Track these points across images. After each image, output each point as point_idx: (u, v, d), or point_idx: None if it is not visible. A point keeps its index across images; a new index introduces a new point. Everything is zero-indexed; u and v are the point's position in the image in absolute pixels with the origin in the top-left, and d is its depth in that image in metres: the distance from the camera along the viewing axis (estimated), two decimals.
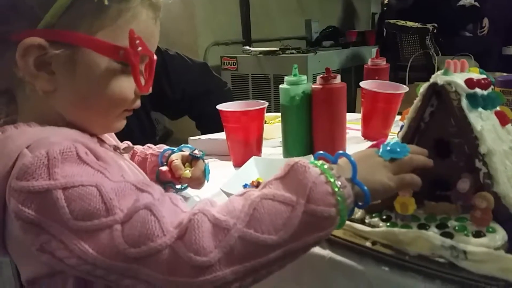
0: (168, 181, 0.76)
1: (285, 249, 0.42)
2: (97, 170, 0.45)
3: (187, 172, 0.73)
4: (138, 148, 0.81)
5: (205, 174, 0.75)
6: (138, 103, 0.57)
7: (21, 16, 0.49)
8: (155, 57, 0.56)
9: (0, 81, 0.52)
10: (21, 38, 0.48)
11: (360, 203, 0.46)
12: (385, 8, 3.84)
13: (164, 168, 0.74)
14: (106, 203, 0.43)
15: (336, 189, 0.43)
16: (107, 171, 0.46)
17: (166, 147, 0.80)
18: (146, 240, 0.41)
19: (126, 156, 0.65)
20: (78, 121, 0.54)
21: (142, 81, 0.54)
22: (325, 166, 0.45)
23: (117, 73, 0.52)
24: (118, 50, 0.51)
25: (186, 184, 0.78)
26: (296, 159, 0.46)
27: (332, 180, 0.43)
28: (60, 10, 0.48)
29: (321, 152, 0.50)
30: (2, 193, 0.45)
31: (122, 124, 0.58)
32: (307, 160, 0.45)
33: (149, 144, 0.82)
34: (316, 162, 0.45)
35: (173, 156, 0.76)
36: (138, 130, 1.39)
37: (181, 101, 1.64)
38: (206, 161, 0.77)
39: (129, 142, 0.79)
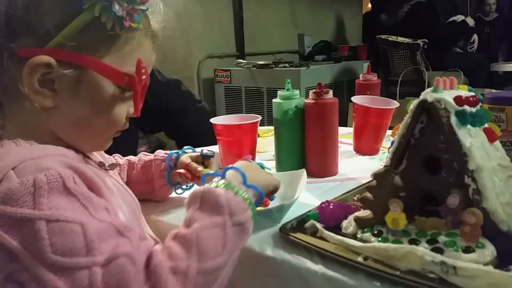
0: (176, 182, 0.79)
1: (231, 262, 0.49)
2: (83, 204, 0.45)
3: (207, 170, 0.76)
4: (133, 158, 0.82)
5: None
6: (127, 124, 0.60)
7: (33, 33, 0.49)
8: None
9: None
10: (30, 55, 0.49)
11: (257, 201, 0.57)
12: (377, 23, 3.90)
13: (182, 170, 0.76)
14: (87, 244, 0.42)
15: (243, 195, 0.53)
16: (92, 207, 0.46)
17: (163, 152, 0.81)
18: None
19: (112, 172, 0.65)
20: (70, 140, 0.55)
21: (131, 105, 0.57)
22: (224, 183, 0.54)
23: (118, 97, 0.55)
24: (124, 76, 0.53)
25: (191, 183, 0.80)
26: (199, 189, 0.53)
27: (236, 190, 0.53)
28: (73, 32, 0.50)
29: (210, 172, 0.71)
30: None
31: (109, 144, 0.61)
32: (207, 187, 0.53)
33: (144, 153, 0.83)
34: (215, 183, 0.54)
35: (183, 158, 0.78)
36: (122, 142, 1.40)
37: (152, 115, 1.65)
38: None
39: (118, 157, 0.79)
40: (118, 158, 0.81)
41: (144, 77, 0.55)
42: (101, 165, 0.61)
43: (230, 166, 0.58)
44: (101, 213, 0.46)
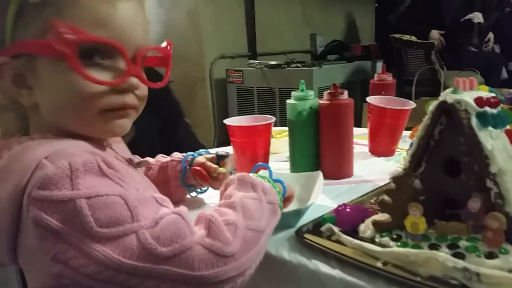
0: (191, 184, 0.79)
1: (266, 234, 0.52)
2: (117, 183, 0.47)
3: (222, 168, 0.76)
4: (150, 159, 0.82)
5: (231, 173, 0.78)
6: (120, 100, 0.53)
7: None
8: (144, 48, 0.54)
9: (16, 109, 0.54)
10: None
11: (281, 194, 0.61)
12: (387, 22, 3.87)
13: (198, 168, 0.76)
14: (131, 210, 0.44)
15: (272, 183, 0.59)
16: (125, 184, 0.47)
17: (180, 154, 0.81)
18: (178, 239, 0.44)
19: (140, 170, 0.66)
20: (69, 129, 0.53)
21: (113, 74, 0.51)
22: (255, 174, 0.59)
23: (71, 70, 0.49)
24: (49, 45, 0.48)
25: (206, 188, 0.81)
26: (234, 175, 0.59)
27: (266, 178, 0.59)
28: (11, 24, 0.50)
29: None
30: (19, 202, 0.45)
31: (115, 126, 0.54)
32: (240, 173, 0.59)
33: (161, 155, 0.83)
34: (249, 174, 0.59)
35: (199, 159, 0.78)
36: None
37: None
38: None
39: (148, 158, 0.80)
40: (136, 158, 0.81)
41: (71, 36, 0.47)
42: (130, 162, 0.62)
43: (259, 164, 0.68)
44: (134, 190, 0.48)
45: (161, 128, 1.26)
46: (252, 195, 0.54)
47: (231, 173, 0.78)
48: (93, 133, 0.55)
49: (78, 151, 0.47)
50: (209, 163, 0.77)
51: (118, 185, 0.47)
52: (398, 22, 3.60)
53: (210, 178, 0.76)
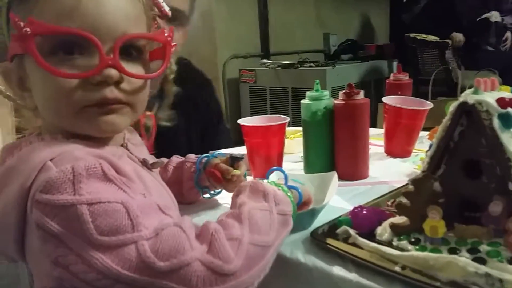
0: (204, 186, 0.79)
1: (274, 248, 0.50)
2: (121, 188, 0.46)
3: (237, 170, 0.75)
4: (165, 160, 0.82)
5: (245, 176, 0.77)
6: (101, 94, 0.49)
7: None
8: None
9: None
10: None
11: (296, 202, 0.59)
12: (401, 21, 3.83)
13: (212, 169, 0.76)
14: (132, 220, 0.43)
15: (286, 192, 0.57)
16: (130, 190, 0.47)
17: (194, 156, 0.81)
18: (177, 254, 0.43)
19: (155, 171, 0.65)
20: (66, 129, 0.52)
21: (88, 66, 0.48)
22: (269, 181, 0.59)
23: (42, 66, 0.48)
24: (15, 42, 0.48)
25: (220, 190, 0.80)
26: (247, 182, 0.58)
27: (280, 186, 0.58)
28: (5, 28, 0.51)
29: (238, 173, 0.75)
30: (24, 202, 0.46)
31: (101, 123, 0.51)
32: (253, 180, 0.58)
33: (176, 155, 0.83)
34: (262, 179, 0.59)
35: (214, 160, 0.78)
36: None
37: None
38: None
39: (163, 159, 0.80)
40: (151, 159, 0.81)
41: (26, 30, 0.46)
42: (144, 162, 0.61)
43: (274, 168, 0.67)
44: (138, 196, 0.47)
45: (202, 129, 1.25)
46: (263, 205, 0.52)
47: (245, 176, 0.77)
48: (81, 131, 0.52)
49: (84, 153, 0.47)
50: (223, 165, 0.76)
51: (121, 190, 0.46)
52: (413, 22, 3.56)
53: (224, 180, 0.75)
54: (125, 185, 0.47)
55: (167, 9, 0.58)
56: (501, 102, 0.53)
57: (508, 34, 3.55)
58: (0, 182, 0.48)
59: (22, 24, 0.46)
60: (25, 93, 0.53)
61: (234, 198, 0.57)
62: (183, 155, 0.83)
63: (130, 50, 0.52)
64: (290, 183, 0.63)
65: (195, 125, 1.23)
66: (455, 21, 3.38)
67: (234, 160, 0.78)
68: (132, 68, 0.51)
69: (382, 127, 1.06)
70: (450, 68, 2.86)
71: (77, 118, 0.50)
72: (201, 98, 1.25)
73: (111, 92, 0.50)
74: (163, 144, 0.69)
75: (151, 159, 0.66)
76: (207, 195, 0.81)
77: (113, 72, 0.49)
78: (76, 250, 0.43)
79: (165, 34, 0.55)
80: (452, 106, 0.56)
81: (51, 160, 0.46)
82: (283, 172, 0.65)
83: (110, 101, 0.50)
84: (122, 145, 0.59)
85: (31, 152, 0.48)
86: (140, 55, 0.54)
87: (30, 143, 0.50)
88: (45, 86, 0.49)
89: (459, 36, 3.33)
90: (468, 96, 0.54)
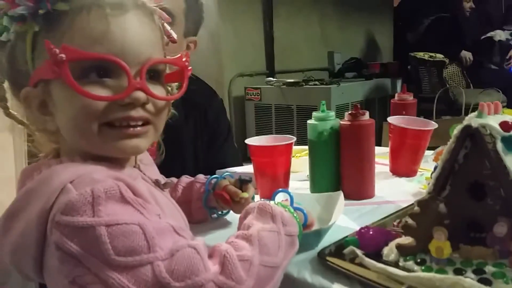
0: (212, 207, 0.80)
1: (282, 268, 0.52)
2: (137, 210, 0.48)
3: (245, 193, 0.76)
4: (175, 180, 0.83)
5: (253, 198, 0.78)
6: (123, 114, 0.52)
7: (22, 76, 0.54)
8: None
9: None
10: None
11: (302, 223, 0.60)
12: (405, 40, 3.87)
13: (221, 191, 0.77)
14: (148, 241, 0.45)
15: (292, 213, 0.58)
16: (146, 212, 0.48)
17: (204, 176, 0.82)
18: (191, 275, 0.44)
19: (166, 192, 0.66)
20: (86, 150, 0.54)
21: (116, 89, 0.51)
22: (276, 202, 0.60)
23: (72, 91, 0.50)
24: (47, 67, 0.50)
25: (227, 210, 0.82)
26: (254, 203, 0.59)
27: (286, 208, 0.58)
28: (29, 55, 0.53)
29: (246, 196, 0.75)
30: (44, 223, 0.47)
31: (125, 145, 0.53)
32: (261, 201, 0.58)
33: (186, 176, 0.85)
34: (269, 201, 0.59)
35: (222, 182, 0.79)
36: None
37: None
38: None
39: (173, 179, 0.81)
40: (163, 180, 0.83)
41: (62, 56, 0.49)
42: (156, 183, 0.63)
43: (280, 190, 0.67)
44: (154, 217, 0.49)
45: (210, 141, 1.28)
46: (271, 227, 0.54)
47: (253, 198, 0.78)
48: (104, 152, 0.54)
49: (103, 176, 0.49)
50: (232, 187, 0.77)
51: (138, 212, 0.47)
52: (418, 41, 3.61)
53: (232, 202, 0.76)
54: (142, 207, 0.48)
55: (175, 36, 0.61)
56: (504, 125, 0.54)
57: (511, 52, 3.58)
58: (21, 204, 0.50)
59: (57, 50, 0.49)
60: (46, 117, 0.54)
61: (242, 219, 0.58)
62: (190, 167, 0.85)
63: (152, 73, 0.55)
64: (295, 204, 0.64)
65: (202, 139, 1.24)
66: (460, 40, 3.41)
67: (242, 183, 0.79)
68: (155, 90, 0.54)
69: (387, 145, 1.07)
70: (448, 86, 2.89)
71: (102, 138, 0.52)
72: (211, 112, 1.26)
73: (136, 112, 0.53)
74: (168, 153, 0.70)
75: (162, 179, 0.67)
76: (214, 216, 0.82)
77: (141, 95, 0.52)
78: (94, 270, 0.44)
79: (183, 59, 0.59)
80: (456, 129, 0.57)
81: (70, 182, 0.48)
82: (289, 194, 0.66)
83: (136, 119, 0.53)
84: (134, 166, 0.61)
85: (51, 175, 0.50)
86: (159, 78, 0.57)
87: (49, 166, 0.52)
88: (73, 107, 0.51)
89: (467, 55, 3.36)
90: (472, 119, 0.56)
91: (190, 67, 0.60)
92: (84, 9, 0.51)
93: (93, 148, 0.54)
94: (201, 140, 1.24)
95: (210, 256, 0.48)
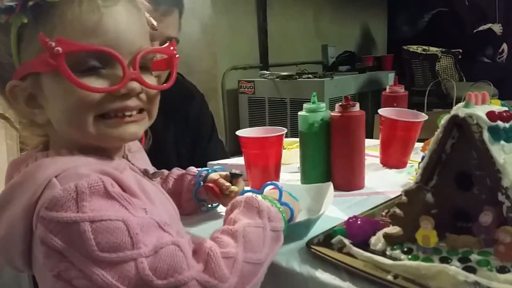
0: (202, 199, 0.80)
1: (266, 264, 0.52)
2: (122, 205, 0.48)
3: (234, 187, 0.77)
4: (166, 171, 0.83)
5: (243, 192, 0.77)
6: (118, 105, 0.53)
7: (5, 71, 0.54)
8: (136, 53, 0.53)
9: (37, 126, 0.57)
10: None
11: (288, 219, 0.61)
12: (401, 33, 3.88)
13: (211, 184, 0.77)
14: (132, 237, 0.45)
15: (279, 208, 0.59)
16: (131, 207, 0.48)
17: (195, 169, 0.82)
18: (174, 273, 0.44)
19: (157, 181, 0.66)
20: (77, 141, 0.54)
21: (111, 80, 0.51)
22: (262, 195, 0.60)
23: (67, 83, 0.50)
24: (42, 60, 0.49)
25: (217, 203, 0.82)
26: (241, 196, 0.59)
27: (273, 202, 0.59)
28: (15, 48, 0.52)
29: (247, 190, 0.71)
30: (30, 218, 0.47)
31: (121, 131, 0.54)
32: (248, 194, 0.59)
33: (177, 168, 0.85)
34: (257, 195, 0.59)
35: (213, 175, 0.79)
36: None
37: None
38: None
39: (164, 170, 0.81)
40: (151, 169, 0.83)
41: (58, 49, 0.48)
42: (145, 173, 0.63)
43: (270, 182, 0.67)
44: (140, 212, 0.49)
45: (193, 143, 1.26)
46: (257, 222, 0.54)
47: (243, 192, 0.78)
48: (100, 142, 0.55)
49: (88, 170, 0.49)
50: (222, 181, 0.77)
51: (123, 207, 0.47)
52: (416, 34, 3.62)
53: (222, 196, 0.77)
54: (127, 202, 0.48)
55: (155, 23, 0.61)
56: (491, 115, 0.54)
57: (504, 46, 3.60)
58: (7, 198, 0.50)
59: (53, 44, 0.48)
60: (35, 110, 0.54)
61: (228, 213, 0.58)
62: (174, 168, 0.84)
63: (143, 62, 0.55)
64: (284, 196, 0.64)
65: (185, 139, 1.23)
66: (458, 34, 3.42)
67: (233, 177, 0.79)
68: (147, 79, 0.55)
69: (379, 138, 1.07)
70: (440, 80, 2.91)
71: (97, 129, 0.52)
72: (191, 112, 1.25)
73: (132, 102, 0.54)
74: (152, 158, 0.71)
75: (151, 168, 0.67)
76: (204, 209, 0.82)
77: (136, 85, 0.53)
78: (78, 265, 0.44)
79: (171, 48, 0.59)
80: (444, 119, 0.57)
81: (56, 177, 0.48)
82: (278, 187, 0.65)
83: (132, 109, 0.54)
84: (123, 157, 0.61)
85: (37, 168, 0.50)
86: (149, 67, 0.57)
87: (35, 159, 0.52)
88: (67, 99, 0.51)
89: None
90: (459, 109, 0.56)
91: (177, 55, 0.60)
92: (75, 0, 0.50)
93: (88, 139, 0.54)
94: (184, 142, 1.23)
95: (195, 252, 0.48)
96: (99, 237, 0.44)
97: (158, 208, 0.55)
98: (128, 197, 0.49)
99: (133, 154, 0.64)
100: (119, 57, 0.51)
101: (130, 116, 0.54)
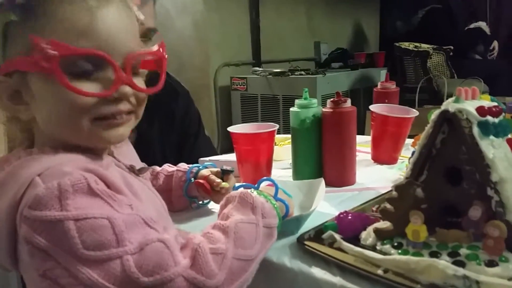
0: (193, 196, 0.80)
1: (257, 260, 0.52)
2: (107, 202, 0.47)
3: (225, 183, 0.76)
4: (157, 168, 0.83)
5: (234, 188, 0.77)
6: (112, 109, 0.52)
7: None
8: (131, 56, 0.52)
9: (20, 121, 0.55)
10: None
11: (283, 216, 0.61)
12: (393, 30, 3.90)
13: (201, 181, 0.76)
14: (117, 235, 0.44)
15: (273, 204, 0.58)
16: (116, 203, 0.47)
17: (186, 165, 0.82)
18: (160, 270, 0.44)
19: (145, 176, 0.66)
20: (66, 140, 0.53)
21: (103, 84, 0.51)
22: (257, 191, 0.60)
23: (58, 85, 0.49)
24: (33, 62, 0.48)
25: (208, 200, 0.81)
26: (236, 191, 0.59)
27: (268, 198, 0.59)
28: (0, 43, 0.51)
29: (243, 183, 0.70)
30: (14, 217, 0.47)
31: (111, 134, 0.53)
32: (243, 190, 0.59)
33: (168, 164, 0.84)
34: (252, 190, 0.59)
35: (204, 172, 0.79)
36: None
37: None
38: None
39: (155, 167, 0.81)
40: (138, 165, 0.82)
41: (53, 52, 0.47)
42: (131, 168, 0.62)
43: (266, 178, 0.67)
44: (125, 209, 0.48)
45: (179, 141, 1.25)
46: (250, 218, 0.54)
47: (234, 189, 0.78)
48: (89, 143, 0.54)
49: (72, 168, 0.48)
50: (213, 177, 0.77)
51: (107, 205, 0.47)
52: (409, 31, 3.63)
53: (213, 192, 0.76)
54: (111, 199, 0.47)
55: (142, 17, 0.60)
56: (481, 110, 0.55)
57: (495, 43, 3.63)
58: None
59: (48, 46, 0.47)
60: (19, 106, 0.53)
61: (222, 208, 0.58)
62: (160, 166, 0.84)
63: (133, 64, 0.54)
64: (280, 192, 0.64)
65: (171, 137, 1.22)
66: (450, 31, 3.45)
67: (224, 173, 0.79)
68: (137, 82, 0.54)
69: (370, 135, 1.07)
70: (432, 76, 2.93)
71: (89, 131, 0.52)
72: (177, 110, 1.24)
73: (124, 105, 0.53)
74: (139, 156, 0.70)
75: (138, 164, 0.66)
76: (194, 205, 0.81)
77: (128, 89, 0.52)
78: (63, 264, 0.44)
79: (161, 50, 0.58)
80: (434, 114, 0.57)
81: (39, 175, 0.47)
82: (275, 183, 0.65)
83: (122, 112, 0.53)
84: (108, 153, 0.60)
85: (20, 167, 0.49)
86: (138, 69, 0.56)
87: (19, 158, 0.51)
88: (58, 101, 0.50)
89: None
90: (449, 104, 0.56)
91: (166, 56, 0.59)
92: (66, 0, 0.49)
93: (78, 140, 0.53)
94: (170, 140, 1.22)
95: (183, 248, 0.48)
96: (84, 235, 0.44)
97: (145, 204, 0.55)
98: (112, 194, 0.48)
99: (119, 150, 0.63)
100: (112, 61, 0.50)
101: (120, 118, 0.53)
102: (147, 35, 0.95)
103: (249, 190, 0.59)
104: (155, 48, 0.57)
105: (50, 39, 0.47)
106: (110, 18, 0.51)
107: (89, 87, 0.50)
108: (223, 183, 0.76)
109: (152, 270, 0.44)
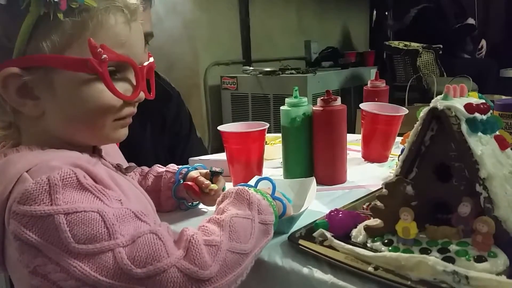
0: (182, 197, 0.79)
1: (252, 255, 0.52)
2: (97, 196, 0.47)
3: (214, 185, 0.76)
4: (146, 168, 0.82)
5: (223, 190, 0.77)
6: (129, 110, 0.57)
7: None
8: (147, 63, 0.58)
9: (4, 117, 0.54)
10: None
11: (280, 214, 0.61)
12: (384, 29, 3.92)
13: (190, 183, 0.76)
14: (108, 228, 0.45)
15: (270, 202, 0.59)
16: (106, 198, 0.47)
17: (176, 166, 0.81)
18: (153, 261, 0.44)
19: (132, 175, 0.65)
20: (73, 138, 0.55)
21: (125, 88, 0.55)
22: (254, 189, 0.60)
23: (94, 85, 0.52)
24: (84, 63, 0.50)
25: (197, 202, 0.81)
26: (233, 188, 0.59)
27: (265, 196, 0.59)
28: (25, 36, 0.50)
29: (241, 184, 0.66)
30: (2, 214, 0.46)
31: (120, 134, 0.58)
32: (240, 187, 0.59)
33: (157, 165, 0.84)
34: (249, 187, 0.60)
35: (193, 173, 0.78)
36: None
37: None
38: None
39: (144, 167, 0.81)
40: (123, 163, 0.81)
41: (104, 56, 0.50)
42: (118, 167, 0.62)
43: (263, 176, 0.67)
44: (115, 203, 0.48)
45: (171, 142, 1.24)
46: (245, 213, 0.54)
47: (223, 190, 0.78)
48: (101, 142, 0.58)
49: (60, 163, 0.48)
50: (202, 179, 0.77)
51: (97, 199, 0.47)
52: (400, 30, 3.66)
53: (202, 194, 0.76)
54: (101, 193, 0.48)
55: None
56: (469, 107, 0.55)
57: (483, 42, 3.66)
58: None
59: (101, 50, 0.50)
60: (26, 100, 0.52)
61: (219, 203, 0.58)
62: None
63: None
64: (277, 195, 0.64)
65: (162, 139, 1.22)
66: (439, 29, 3.47)
67: (213, 175, 0.78)
68: None
69: (361, 133, 1.08)
70: (421, 75, 2.95)
71: (106, 130, 0.55)
72: (168, 113, 1.23)
73: (135, 108, 0.58)
74: (128, 159, 0.70)
75: (125, 163, 0.66)
76: (183, 207, 0.81)
77: (142, 95, 0.57)
78: (55, 259, 0.43)
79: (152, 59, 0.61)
80: (422, 112, 0.58)
81: (27, 171, 0.47)
82: (272, 182, 0.65)
83: (132, 114, 0.58)
84: (94, 152, 0.60)
85: (6, 164, 0.49)
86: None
87: (5, 155, 0.51)
88: (85, 99, 0.52)
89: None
90: (438, 102, 0.56)
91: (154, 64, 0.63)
92: (110, 10, 0.52)
93: (92, 138, 0.56)
94: (162, 142, 1.22)
95: (177, 240, 0.48)
96: (75, 229, 0.44)
97: (132, 201, 0.55)
98: (102, 188, 0.48)
99: (105, 150, 0.63)
100: (138, 69, 0.55)
101: (129, 120, 0.58)
102: (145, 39, 0.95)
103: (246, 187, 0.59)
104: (152, 59, 0.61)
105: (101, 44, 0.50)
106: (138, 30, 0.56)
107: (118, 89, 0.53)
108: (212, 185, 0.76)
109: (145, 261, 0.44)
